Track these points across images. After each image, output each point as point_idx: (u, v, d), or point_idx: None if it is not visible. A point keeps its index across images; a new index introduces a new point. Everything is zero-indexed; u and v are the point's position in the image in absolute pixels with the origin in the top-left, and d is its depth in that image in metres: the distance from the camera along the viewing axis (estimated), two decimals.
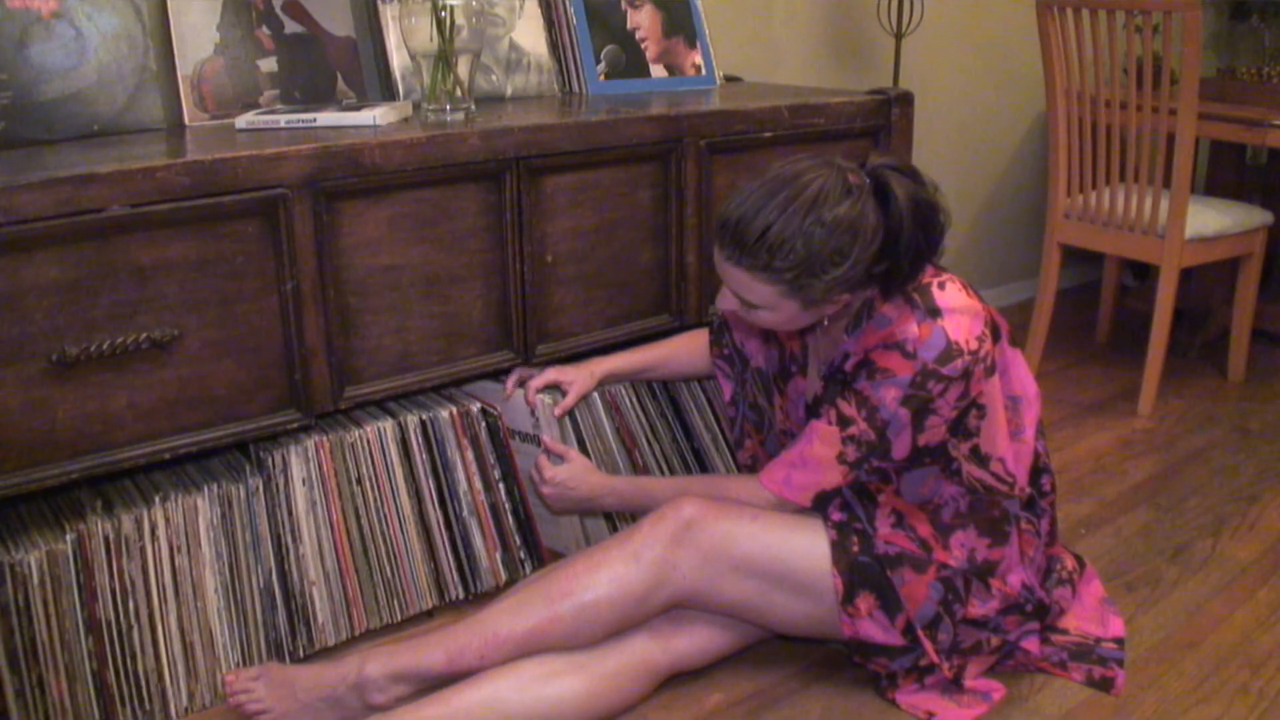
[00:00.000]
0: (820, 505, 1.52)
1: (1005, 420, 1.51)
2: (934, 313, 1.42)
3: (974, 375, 1.44)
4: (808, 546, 1.49)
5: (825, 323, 1.51)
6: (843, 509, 1.53)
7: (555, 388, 1.80)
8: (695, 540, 1.47)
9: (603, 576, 1.46)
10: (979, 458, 1.49)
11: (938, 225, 1.41)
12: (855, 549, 1.49)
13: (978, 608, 1.52)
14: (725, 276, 1.43)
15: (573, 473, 1.67)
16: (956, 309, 1.43)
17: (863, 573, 1.49)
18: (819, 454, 1.48)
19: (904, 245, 1.38)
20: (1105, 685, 1.59)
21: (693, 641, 1.55)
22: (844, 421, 1.46)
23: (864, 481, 1.51)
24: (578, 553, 1.57)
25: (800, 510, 1.53)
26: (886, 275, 1.41)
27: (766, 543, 1.49)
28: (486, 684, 1.41)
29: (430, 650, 1.45)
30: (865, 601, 1.49)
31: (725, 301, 1.48)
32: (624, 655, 1.49)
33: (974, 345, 1.42)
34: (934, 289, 1.44)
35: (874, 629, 1.50)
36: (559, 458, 1.70)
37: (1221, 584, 1.87)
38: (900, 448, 1.45)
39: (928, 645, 1.50)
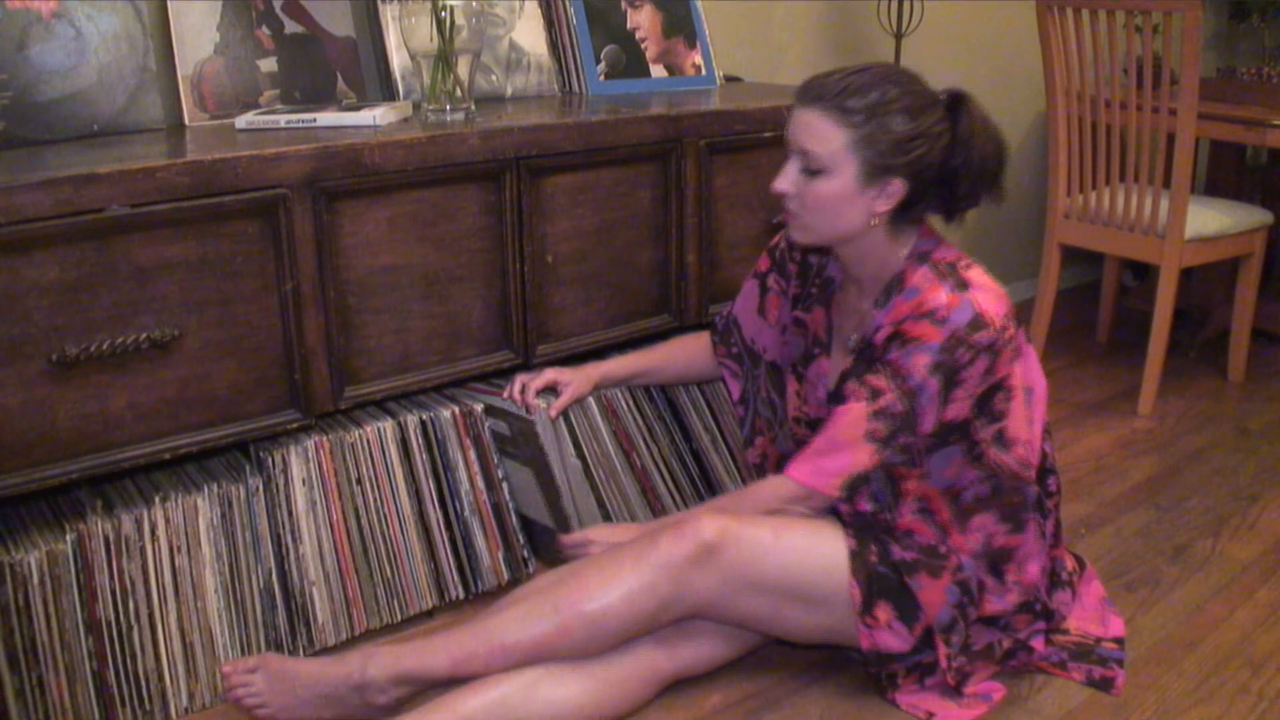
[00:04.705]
0: (850, 494, 1.50)
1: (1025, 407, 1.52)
2: (962, 285, 1.45)
3: (1002, 355, 1.45)
4: (827, 563, 1.48)
5: (869, 233, 1.49)
6: (871, 499, 1.51)
7: (552, 390, 1.80)
8: (714, 562, 1.45)
9: (616, 592, 1.43)
10: (1003, 441, 1.50)
11: (1001, 153, 1.49)
12: (874, 558, 1.49)
13: (994, 604, 1.52)
14: (794, 126, 1.46)
15: (600, 533, 1.62)
16: (983, 286, 1.46)
17: (881, 582, 1.48)
18: (846, 435, 1.47)
19: (970, 155, 1.45)
20: (1105, 685, 1.59)
21: (699, 650, 1.54)
22: (874, 394, 1.46)
23: (892, 464, 1.49)
24: (590, 561, 1.52)
25: (823, 511, 1.51)
26: (951, 182, 1.47)
27: (786, 564, 1.47)
28: (492, 688, 1.41)
29: (435, 656, 1.43)
30: (884, 611, 1.48)
31: (782, 181, 1.49)
32: (629, 662, 1.48)
33: (1000, 323, 1.44)
34: (960, 267, 1.48)
35: (892, 639, 1.49)
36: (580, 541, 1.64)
37: (1221, 584, 1.87)
38: (927, 421, 1.45)
39: (942, 651, 1.50)
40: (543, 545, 1.89)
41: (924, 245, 1.51)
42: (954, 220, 1.54)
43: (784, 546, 1.47)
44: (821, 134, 1.43)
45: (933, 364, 1.43)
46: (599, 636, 1.44)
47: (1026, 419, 1.52)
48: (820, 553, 1.49)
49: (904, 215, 1.49)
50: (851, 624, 1.49)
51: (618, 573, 1.45)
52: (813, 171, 1.45)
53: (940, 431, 1.47)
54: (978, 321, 1.43)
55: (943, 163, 1.46)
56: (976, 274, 1.47)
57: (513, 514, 1.81)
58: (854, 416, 1.47)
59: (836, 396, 1.56)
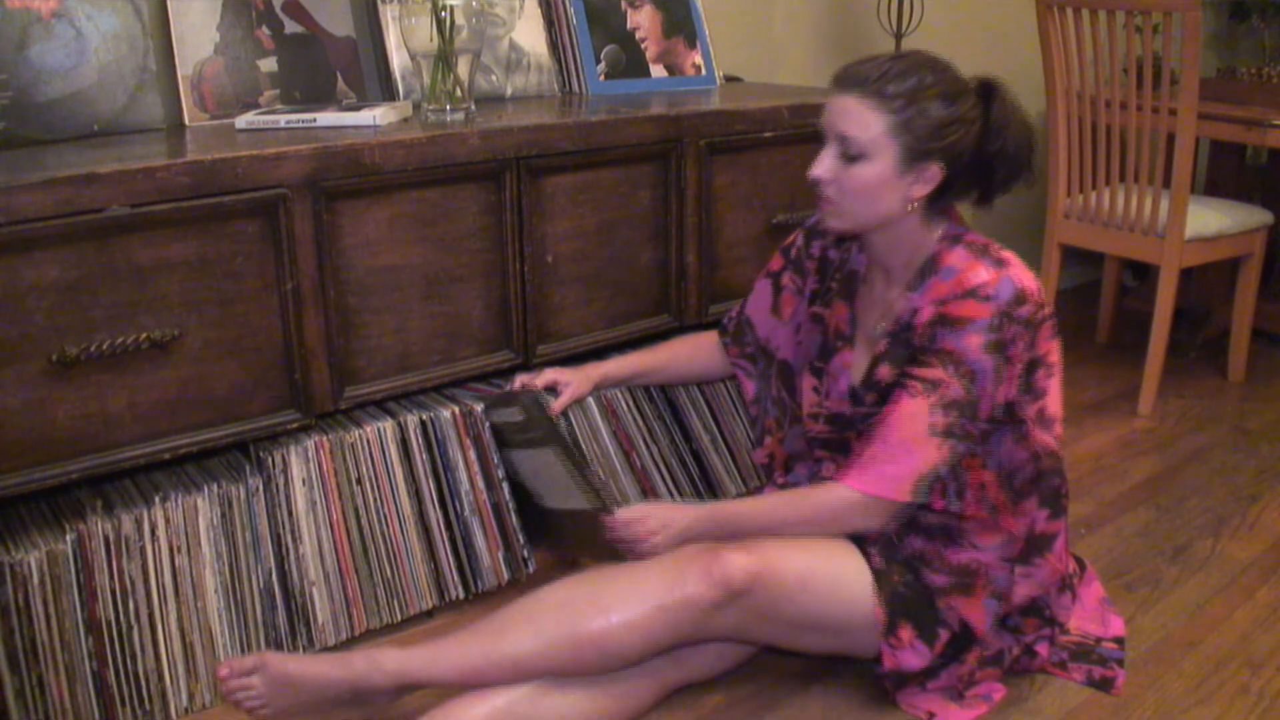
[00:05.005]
0: (923, 495, 1.46)
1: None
2: (1000, 263, 1.46)
3: (1041, 330, 1.47)
4: (851, 599, 1.47)
5: (905, 219, 1.50)
6: (944, 495, 1.48)
7: (552, 390, 1.80)
8: (740, 604, 1.43)
9: (634, 622, 1.40)
10: (1044, 420, 1.50)
11: (1032, 140, 1.51)
12: (896, 578, 1.49)
13: (1011, 601, 1.53)
14: (832, 113, 1.47)
15: (654, 510, 1.58)
16: (1019, 265, 1.48)
17: (903, 602, 1.48)
18: (908, 434, 1.45)
19: (1005, 142, 1.47)
20: (1105, 685, 1.59)
21: (706, 661, 1.54)
22: (931, 386, 1.45)
23: (960, 456, 1.46)
24: (610, 583, 1.45)
25: (886, 521, 1.49)
26: (986, 168, 1.48)
27: (811, 604, 1.46)
28: (497, 696, 1.39)
29: (442, 665, 1.41)
30: (906, 631, 1.47)
31: (818, 167, 1.48)
32: (636, 673, 1.46)
33: (1039, 298, 1.46)
34: (993, 248, 1.49)
35: (913, 658, 1.48)
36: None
37: (1221, 584, 1.87)
38: (986, 403, 1.45)
39: (972, 658, 1.51)
40: (568, 531, 1.83)
41: (955, 230, 1.52)
42: (987, 206, 1.55)
43: (811, 587, 1.46)
44: (861, 119, 1.44)
45: (986, 342, 1.43)
46: (611, 662, 1.42)
47: (1061, 398, 1.53)
48: (846, 589, 1.47)
49: (938, 201, 1.50)
50: (867, 643, 1.49)
51: (640, 605, 1.41)
52: (852, 157, 1.46)
53: (993, 413, 1.47)
54: (1020, 296, 1.44)
55: (978, 148, 1.47)
56: (1010, 256, 1.49)
57: (513, 514, 1.81)
58: (913, 414, 1.45)
59: (868, 384, 1.55)
